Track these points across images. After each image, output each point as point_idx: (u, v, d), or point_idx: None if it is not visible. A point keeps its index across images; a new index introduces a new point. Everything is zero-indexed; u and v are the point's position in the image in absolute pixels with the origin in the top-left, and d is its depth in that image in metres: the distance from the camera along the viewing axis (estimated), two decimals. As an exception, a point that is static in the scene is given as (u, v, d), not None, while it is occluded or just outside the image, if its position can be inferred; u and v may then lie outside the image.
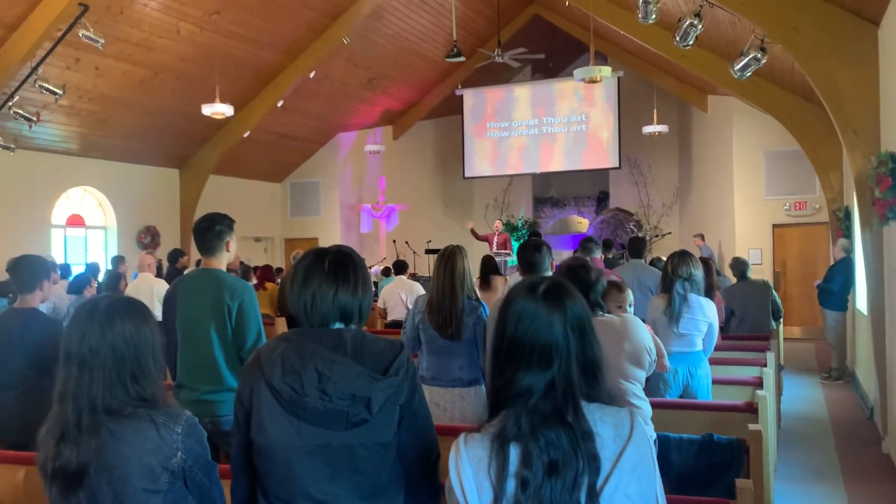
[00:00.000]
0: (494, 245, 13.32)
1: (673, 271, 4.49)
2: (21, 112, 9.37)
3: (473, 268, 6.21)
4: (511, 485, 1.50)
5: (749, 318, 7.20)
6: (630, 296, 3.85)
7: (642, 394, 3.22)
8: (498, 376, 1.60)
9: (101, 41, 8.67)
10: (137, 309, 1.96)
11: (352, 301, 1.95)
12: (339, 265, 1.96)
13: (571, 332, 1.58)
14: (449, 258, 3.94)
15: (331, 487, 1.84)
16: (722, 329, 7.10)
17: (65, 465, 1.80)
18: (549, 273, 4.08)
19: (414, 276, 12.42)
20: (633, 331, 3.14)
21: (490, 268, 6.07)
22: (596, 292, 3.17)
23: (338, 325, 1.95)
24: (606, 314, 3.25)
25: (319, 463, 1.83)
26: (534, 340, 1.57)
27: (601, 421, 1.54)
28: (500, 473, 1.51)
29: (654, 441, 3.24)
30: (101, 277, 9.03)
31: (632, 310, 3.84)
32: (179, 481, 1.87)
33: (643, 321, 3.46)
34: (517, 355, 1.57)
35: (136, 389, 1.86)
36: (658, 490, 1.56)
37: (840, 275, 8.89)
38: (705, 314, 4.48)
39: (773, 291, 7.56)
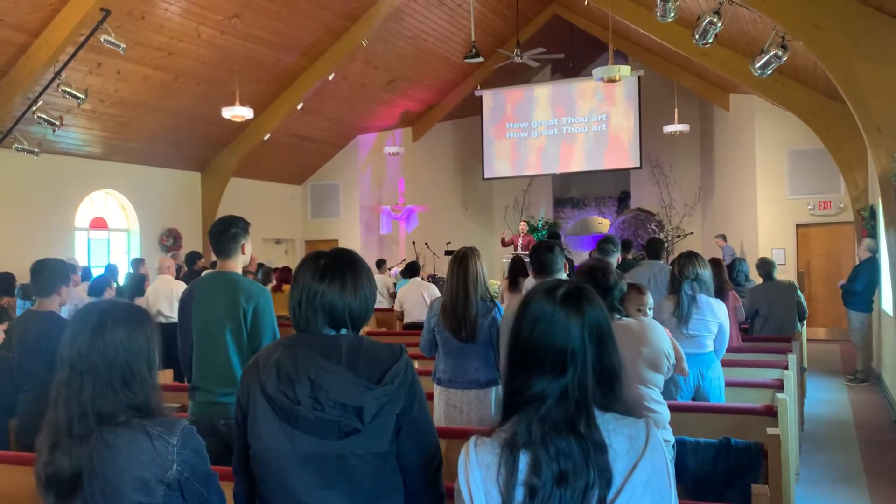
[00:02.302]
0: (519, 247, 13.29)
1: (679, 272, 4.45)
2: (45, 116, 9.51)
3: (493, 269, 6.26)
4: (519, 493, 1.47)
5: (774, 319, 7.10)
6: (650, 299, 3.80)
7: (660, 398, 3.17)
8: (512, 380, 1.57)
9: (123, 46, 8.77)
10: (133, 314, 1.92)
11: (353, 305, 1.90)
12: (339, 269, 1.91)
13: (589, 339, 1.54)
14: (461, 261, 3.92)
15: (324, 496, 1.80)
16: (746, 330, 7.03)
17: (58, 473, 1.77)
18: (563, 274, 4.04)
19: (433, 278, 12.41)
20: (651, 335, 3.08)
21: (519, 270, 6.01)
22: (613, 296, 3.12)
23: (328, 330, 1.91)
24: (624, 318, 3.19)
25: (312, 472, 1.80)
26: (549, 345, 1.53)
27: (616, 432, 1.50)
28: (508, 481, 1.48)
29: (673, 445, 3.19)
30: (120, 279, 9.13)
31: (651, 313, 3.79)
32: (176, 493, 1.83)
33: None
34: (532, 360, 1.54)
35: (128, 395, 1.82)
36: None
37: (865, 275, 8.74)
38: (715, 314, 4.42)
39: (799, 292, 7.45)
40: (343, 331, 1.94)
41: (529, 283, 4.99)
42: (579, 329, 1.54)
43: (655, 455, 1.49)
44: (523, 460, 1.48)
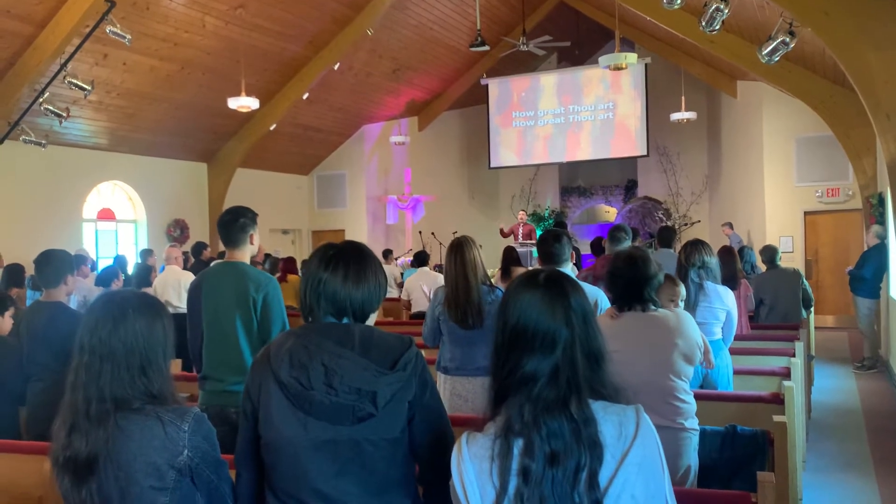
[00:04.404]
0: (519, 236, 13.25)
1: (686, 260, 4.44)
2: (51, 108, 9.53)
3: (498, 258, 6.26)
4: (513, 483, 1.48)
5: (779, 307, 7.08)
6: (682, 290, 3.76)
7: (689, 389, 3.13)
8: (502, 366, 1.58)
9: (128, 37, 8.77)
10: (151, 305, 1.97)
11: (355, 295, 1.92)
12: (344, 259, 1.94)
13: (576, 320, 1.56)
14: (457, 249, 3.92)
15: (338, 482, 1.83)
16: (751, 318, 7.01)
17: (75, 455, 1.81)
18: (570, 264, 4.03)
19: (440, 268, 12.41)
20: (686, 327, 3.02)
21: (511, 259, 6.02)
22: (652, 287, 3.03)
23: (329, 319, 1.94)
24: (659, 309, 3.14)
25: (326, 458, 1.83)
26: (537, 326, 1.55)
27: (604, 420, 1.51)
28: (503, 472, 1.49)
29: (698, 434, 3.17)
30: (129, 270, 9.16)
31: (683, 304, 3.76)
32: (187, 479, 1.86)
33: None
34: (521, 341, 1.56)
35: (144, 382, 1.87)
36: (668, 492, 1.51)
37: (872, 262, 8.71)
38: (723, 302, 4.40)
39: (804, 280, 7.42)
40: (345, 320, 1.95)
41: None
42: (564, 310, 1.56)
43: (647, 441, 1.50)
44: (517, 447, 1.49)
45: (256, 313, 3.46)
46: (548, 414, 1.49)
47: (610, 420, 1.51)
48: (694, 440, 3.09)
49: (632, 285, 3.01)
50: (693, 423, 3.10)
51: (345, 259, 1.94)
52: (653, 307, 3.06)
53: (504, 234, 13.67)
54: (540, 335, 1.54)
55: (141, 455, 1.80)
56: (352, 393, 1.80)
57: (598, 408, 1.53)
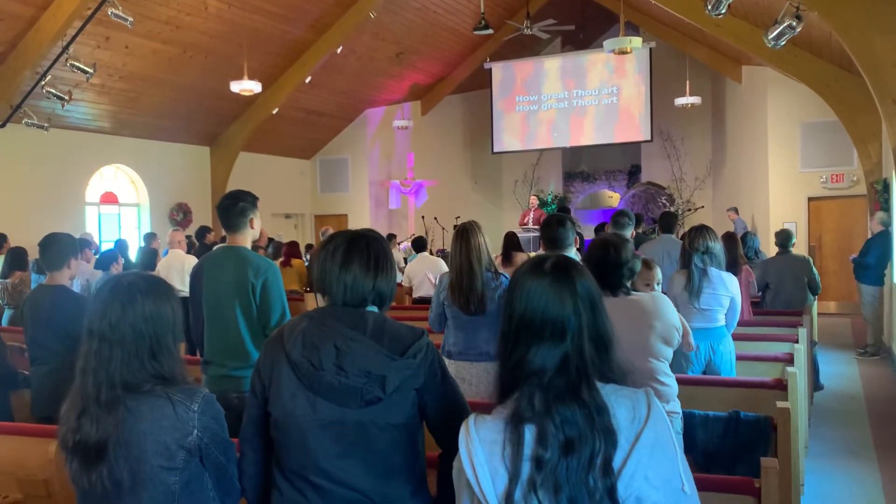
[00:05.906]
0: (530, 221, 13.23)
1: (690, 245, 4.43)
2: (54, 91, 9.50)
3: (500, 245, 6.29)
4: (526, 468, 1.47)
5: (783, 293, 7.05)
6: (659, 273, 3.79)
7: (669, 371, 3.17)
8: (509, 356, 1.57)
9: (130, 19, 8.72)
10: (159, 287, 1.97)
11: (386, 286, 2.00)
12: (376, 251, 1.99)
13: (583, 306, 1.55)
14: (462, 235, 3.93)
15: (342, 463, 1.85)
16: (756, 303, 7.00)
17: (85, 439, 1.83)
18: (573, 249, 4.03)
19: (442, 252, 12.41)
20: (663, 309, 3.07)
21: (512, 244, 6.03)
22: (621, 274, 3.06)
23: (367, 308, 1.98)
24: (634, 293, 3.16)
25: (332, 438, 1.86)
26: (545, 315, 1.53)
27: (616, 403, 1.50)
28: (515, 457, 1.48)
29: (680, 418, 3.20)
30: (130, 254, 9.16)
31: (660, 287, 3.78)
32: (196, 459, 1.89)
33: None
34: (529, 332, 1.54)
35: (154, 366, 1.88)
36: (682, 473, 1.50)
37: (877, 248, 8.68)
38: (727, 288, 4.39)
39: (813, 268, 7.37)
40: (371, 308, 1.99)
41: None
42: (572, 298, 1.54)
43: (658, 423, 1.49)
44: (529, 434, 1.48)
45: (255, 299, 3.44)
46: (560, 402, 1.48)
47: (623, 403, 1.50)
48: (676, 424, 3.10)
49: (604, 270, 3.03)
50: (674, 406, 3.12)
51: (382, 254, 2.00)
52: (622, 293, 3.08)
53: (521, 224, 13.69)
54: (549, 324, 1.53)
55: (151, 435, 1.82)
56: (361, 376, 1.83)
57: (609, 391, 1.52)
